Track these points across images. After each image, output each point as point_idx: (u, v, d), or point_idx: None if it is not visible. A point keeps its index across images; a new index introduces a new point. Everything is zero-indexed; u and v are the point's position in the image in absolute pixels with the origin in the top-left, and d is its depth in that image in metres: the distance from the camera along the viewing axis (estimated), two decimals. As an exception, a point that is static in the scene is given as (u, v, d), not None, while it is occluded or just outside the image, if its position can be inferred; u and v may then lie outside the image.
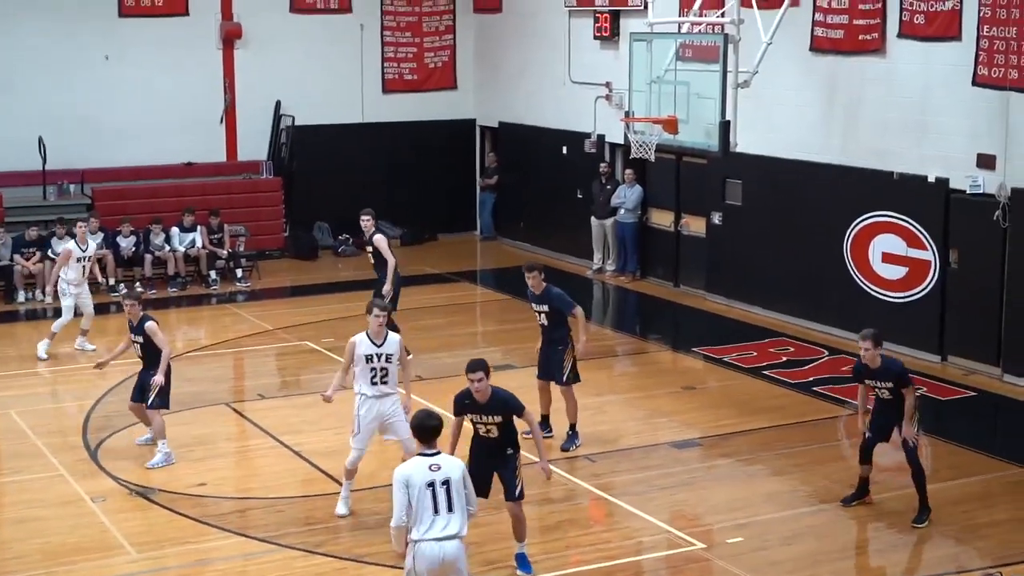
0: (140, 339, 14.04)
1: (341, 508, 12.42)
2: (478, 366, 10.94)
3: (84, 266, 18.41)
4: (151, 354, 13.99)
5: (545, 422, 14.45)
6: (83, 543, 11.86)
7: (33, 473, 13.72)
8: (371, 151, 26.46)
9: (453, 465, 9.03)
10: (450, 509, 8.88)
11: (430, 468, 8.89)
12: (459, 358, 17.94)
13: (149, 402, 13.96)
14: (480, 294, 23.09)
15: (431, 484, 8.84)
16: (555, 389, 14.36)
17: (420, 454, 9.07)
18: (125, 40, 24.59)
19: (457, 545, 8.91)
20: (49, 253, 21.77)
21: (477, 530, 11.90)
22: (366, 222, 17.48)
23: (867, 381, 12.44)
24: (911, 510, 12.40)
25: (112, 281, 22.22)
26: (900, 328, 18.13)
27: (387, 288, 17.22)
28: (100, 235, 20.94)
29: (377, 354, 12.15)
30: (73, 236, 18.82)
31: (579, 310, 14.19)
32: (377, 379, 12.14)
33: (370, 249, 17.53)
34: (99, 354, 17.16)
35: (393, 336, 12.30)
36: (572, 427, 14.37)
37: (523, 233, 26.40)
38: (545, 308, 14.21)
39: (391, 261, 17.34)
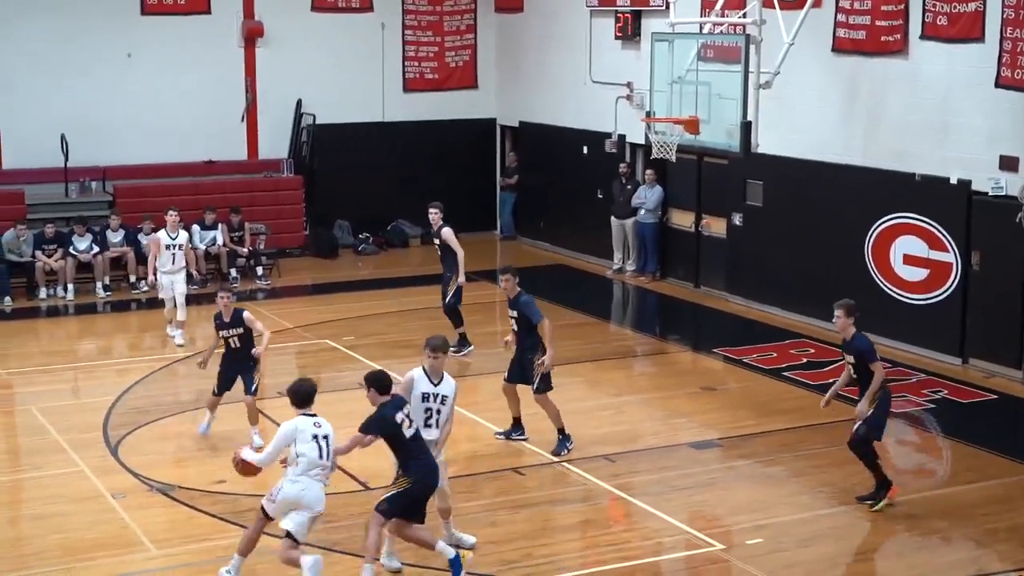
0: (239, 330, 14.13)
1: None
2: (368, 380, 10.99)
3: (173, 254, 18.58)
4: (248, 344, 14.19)
5: (518, 424, 14.50)
6: (103, 539, 11.91)
7: (54, 469, 13.78)
8: (392, 150, 26.50)
9: (329, 425, 10.74)
10: (327, 458, 10.67)
11: (315, 425, 10.63)
12: (477, 358, 18.05)
13: (254, 388, 14.25)
14: (499, 293, 23.04)
15: (315, 436, 10.58)
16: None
17: (303, 414, 10.65)
18: (147, 38, 24.68)
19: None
20: (71, 250, 21.87)
21: (493, 530, 11.94)
22: (434, 215, 17.77)
23: (844, 353, 12.81)
24: (931, 513, 12.40)
25: (134, 278, 22.33)
26: (921, 330, 18.09)
27: (462, 279, 17.76)
28: (183, 233, 20.27)
29: (433, 394, 11.40)
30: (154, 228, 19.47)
31: (546, 323, 13.96)
32: (432, 422, 11.40)
33: (437, 242, 17.83)
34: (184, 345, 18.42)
35: (450, 380, 11.54)
36: (560, 431, 14.23)
37: (543, 233, 26.40)
38: (514, 314, 14.17)
39: (460, 252, 17.66)
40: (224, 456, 14.12)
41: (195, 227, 22.95)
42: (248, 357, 14.25)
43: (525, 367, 14.13)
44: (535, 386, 14.05)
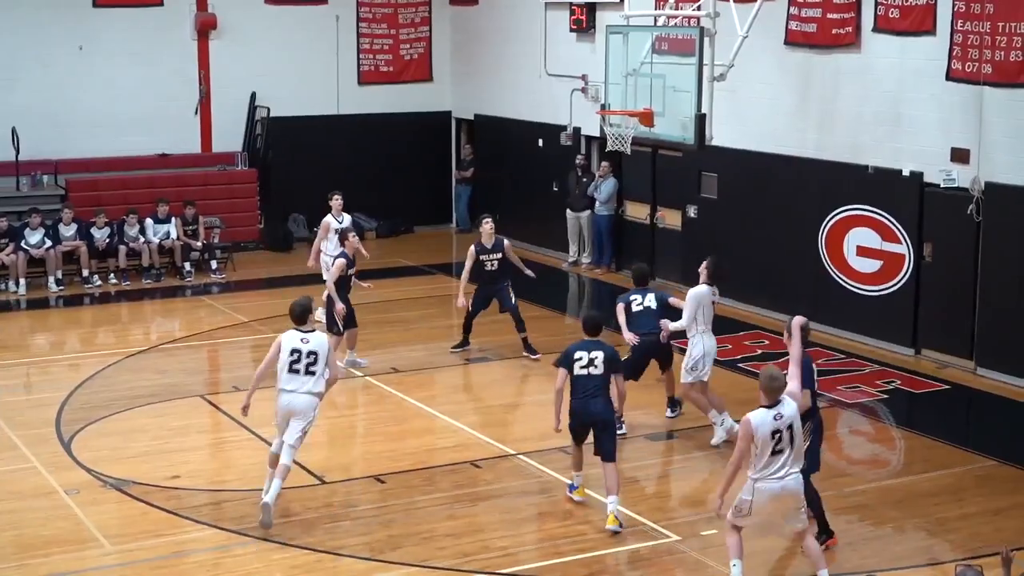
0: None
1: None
2: None
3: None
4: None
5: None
6: (57, 535, 11.81)
7: (6, 465, 13.64)
8: (346, 143, 26.40)
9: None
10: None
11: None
12: (434, 351, 18.05)
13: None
14: (456, 287, 23.03)
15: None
16: None
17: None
18: (100, 30, 24.47)
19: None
20: (22, 244, 21.66)
21: (451, 523, 11.96)
22: (491, 226, 17.47)
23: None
24: (884, 503, 12.54)
25: (86, 273, 22.15)
26: (874, 321, 18.23)
27: (531, 272, 17.80)
28: (347, 217, 19.59)
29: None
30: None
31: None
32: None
33: (498, 256, 17.38)
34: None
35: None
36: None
37: (499, 226, 26.23)
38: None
39: (517, 258, 17.59)
40: (179, 452, 14.09)
41: (149, 221, 22.80)
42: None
43: None
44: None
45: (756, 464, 10.08)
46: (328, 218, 19.12)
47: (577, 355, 11.98)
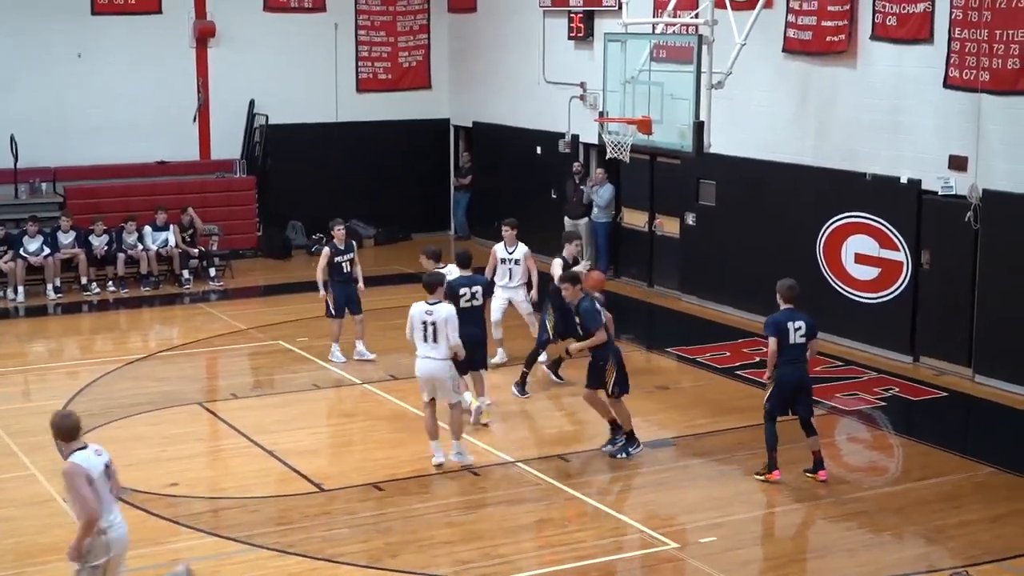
0: (351, 256, 17.75)
1: None
2: None
3: (510, 268, 17.39)
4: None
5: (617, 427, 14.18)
6: (55, 543, 11.76)
7: (5, 473, 13.64)
8: (345, 150, 26.43)
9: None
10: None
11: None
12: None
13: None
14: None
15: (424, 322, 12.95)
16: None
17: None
18: (98, 38, 24.50)
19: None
20: (21, 252, 21.66)
21: (449, 530, 11.96)
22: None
23: None
24: (882, 510, 12.53)
25: (85, 280, 22.15)
26: (872, 329, 18.24)
27: (534, 294, 17.34)
28: (521, 246, 17.74)
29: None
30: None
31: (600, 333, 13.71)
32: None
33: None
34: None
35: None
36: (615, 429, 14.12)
37: (497, 233, 26.24)
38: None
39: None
40: (177, 459, 14.08)
41: (147, 228, 22.80)
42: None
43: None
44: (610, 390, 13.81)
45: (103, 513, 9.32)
46: (497, 247, 17.49)
47: (462, 291, 14.17)
